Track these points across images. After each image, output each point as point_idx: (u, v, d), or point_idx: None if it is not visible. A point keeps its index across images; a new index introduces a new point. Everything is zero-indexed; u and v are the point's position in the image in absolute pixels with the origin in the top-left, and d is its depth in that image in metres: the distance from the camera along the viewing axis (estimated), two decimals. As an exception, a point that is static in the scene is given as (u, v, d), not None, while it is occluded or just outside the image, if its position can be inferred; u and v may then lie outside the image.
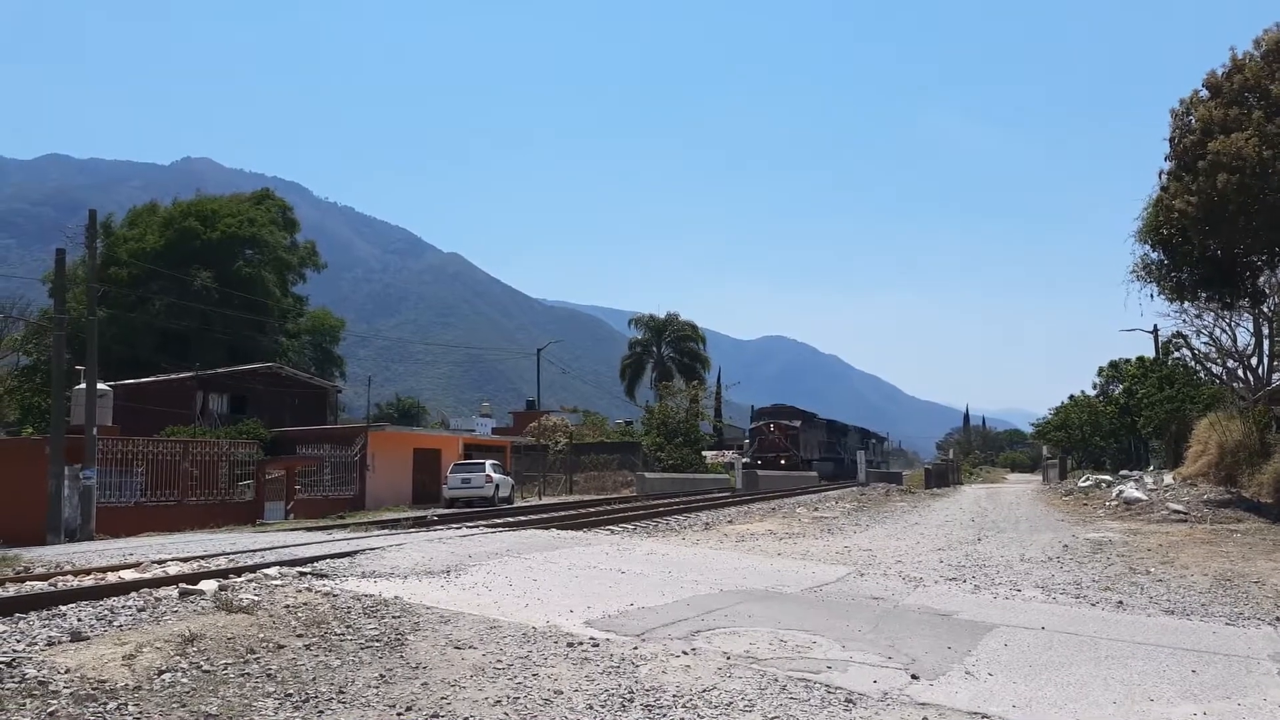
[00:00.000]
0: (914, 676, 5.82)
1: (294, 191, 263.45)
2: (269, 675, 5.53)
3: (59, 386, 22.73)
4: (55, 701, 4.86)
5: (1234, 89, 17.52)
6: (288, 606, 7.40)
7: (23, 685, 5.09)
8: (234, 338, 47.44)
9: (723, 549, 14.22)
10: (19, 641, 6.04)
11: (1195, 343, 34.43)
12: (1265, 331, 29.90)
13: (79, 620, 6.77)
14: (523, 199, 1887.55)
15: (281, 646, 6.16)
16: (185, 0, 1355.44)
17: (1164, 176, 19.53)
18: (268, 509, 27.17)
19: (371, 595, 8.12)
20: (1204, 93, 18.46)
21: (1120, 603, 9.06)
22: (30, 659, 5.57)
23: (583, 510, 26.19)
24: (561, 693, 5.33)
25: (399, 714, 4.93)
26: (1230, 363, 32.50)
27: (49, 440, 22.12)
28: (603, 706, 5.10)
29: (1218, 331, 31.98)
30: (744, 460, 59.26)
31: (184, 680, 5.36)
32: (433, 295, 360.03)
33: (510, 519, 21.97)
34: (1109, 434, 51.69)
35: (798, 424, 66.67)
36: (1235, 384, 31.54)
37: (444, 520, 22.11)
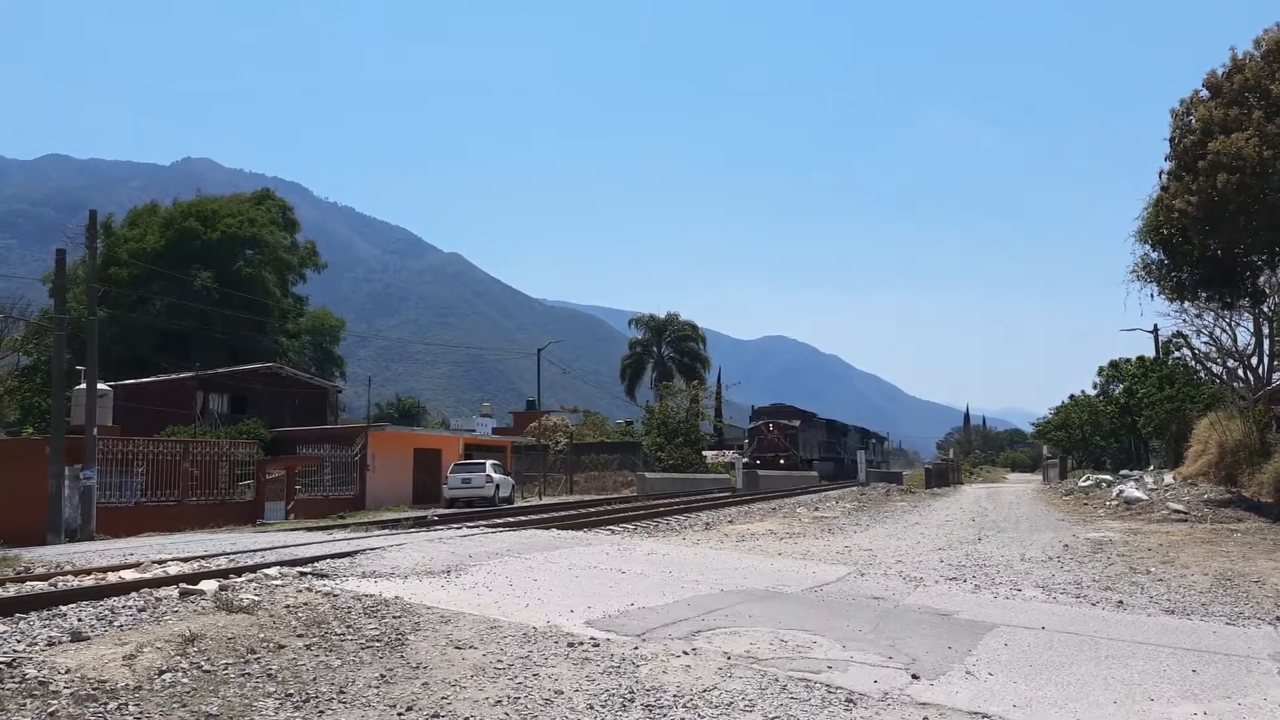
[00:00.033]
0: (914, 676, 5.83)
1: (294, 191, 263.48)
2: (269, 675, 5.53)
3: (59, 386, 22.74)
4: (55, 701, 4.86)
5: (1234, 89, 17.51)
6: (288, 606, 7.40)
7: (23, 685, 5.09)
8: (234, 338, 47.43)
9: (723, 549, 14.22)
10: (19, 641, 6.04)
11: (1195, 342, 34.43)
12: (1265, 331, 29.84)
13: (79, 620, 6.77)
14: (523, 199, 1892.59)
15: (282, 646, 6.16)
16: (185, 0, 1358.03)
17: (1164, 176, 19.53)
18: (268, 509, 27.17)
19: (372, 595, 8.12)
20: (1204, 93, 18.46)
21: (1120, 602, 9.06)
22: (31, 659, 5.57)
23: (583, 510, 26.19)
24: (562, 693, 5.33)
25: (399, 714, 4.93)
26: (1230, 362, 32.45)
27: (49, 440, 22.13)
28: (603, 706, 5.10)
29: (1218, 331, 31.96)
30: (744, 460, 59.23)
31: (184, 680, 5.36)
32: (433, 295, 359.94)
33: (510, 519, 21.96)
34: (1109, 434, 51.70)
35: (797, 424, 66.63)
36: (1235, 384, 31.50)
37: (444, 520, 22.10)
